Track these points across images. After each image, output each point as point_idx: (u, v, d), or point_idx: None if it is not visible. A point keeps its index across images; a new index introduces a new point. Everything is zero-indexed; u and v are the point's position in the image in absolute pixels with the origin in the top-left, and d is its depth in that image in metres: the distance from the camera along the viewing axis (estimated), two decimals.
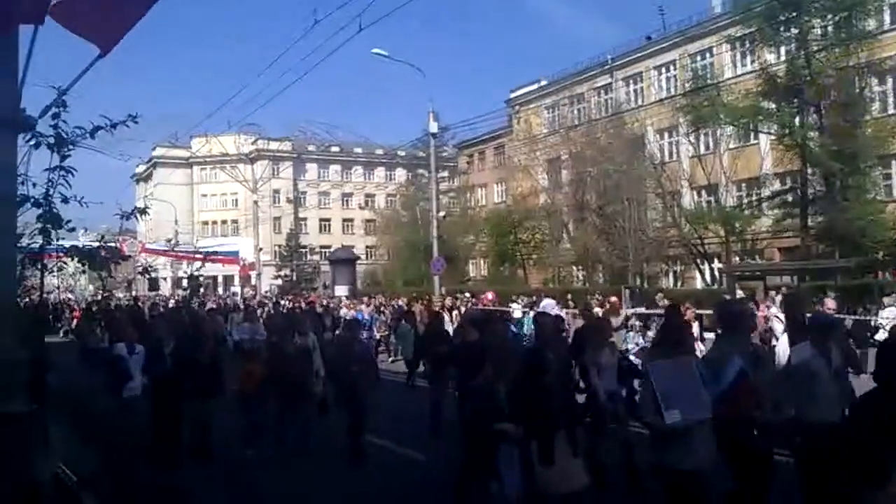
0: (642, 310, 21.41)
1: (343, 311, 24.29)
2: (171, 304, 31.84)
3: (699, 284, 34.96)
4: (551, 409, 5.56)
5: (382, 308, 26.18)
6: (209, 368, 9.83)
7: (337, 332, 17.51)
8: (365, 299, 29.29)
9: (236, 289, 55.35)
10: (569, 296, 26.89)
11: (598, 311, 16.21)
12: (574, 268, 42.84)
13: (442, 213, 36.67)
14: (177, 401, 9.41)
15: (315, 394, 10.26)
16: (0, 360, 3.43)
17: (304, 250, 69.29)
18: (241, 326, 17.02)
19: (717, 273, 34.14)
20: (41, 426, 2.51)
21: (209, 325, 12.57)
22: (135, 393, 9.40)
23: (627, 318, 17.11)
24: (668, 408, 4.91)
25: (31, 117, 4.05)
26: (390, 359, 20.67)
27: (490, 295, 27.34)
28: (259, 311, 23.64)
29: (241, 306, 27.64)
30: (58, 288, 53.28)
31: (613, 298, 18.46)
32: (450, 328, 14.86)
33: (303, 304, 28.53)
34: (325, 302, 30.43)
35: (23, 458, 2.68)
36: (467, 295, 28.77)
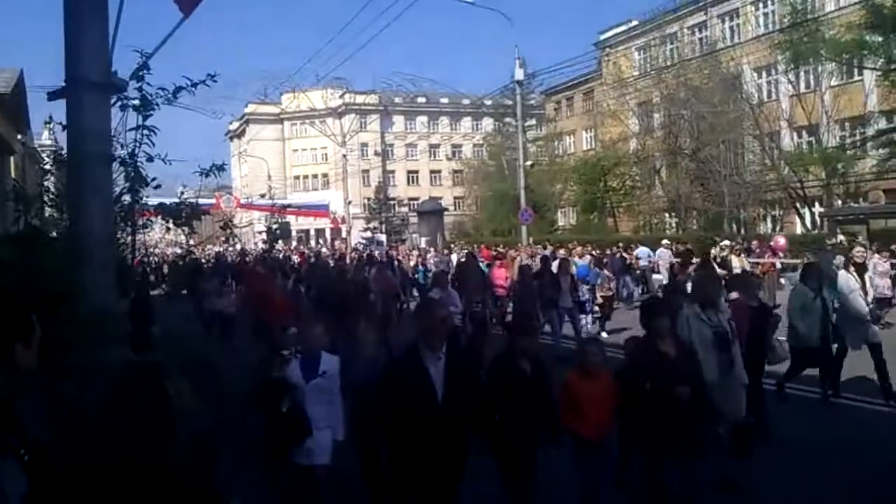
0: None
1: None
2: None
3: (799, 229, 33.67)
4: None
5: (604, 259, 18.77)
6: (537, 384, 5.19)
7: None
8: (579, 249, 20.84)
9: (381, 236, 46.40)
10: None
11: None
12: (666, 214, 41.95)
13: (529, 162, 36.21)
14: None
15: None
16: (102, 313, 3.64)
17: (392, 202, 69.96)
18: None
19: (817, 217, 32.81)
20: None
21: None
22: (322, 461, 5.19)
23: None
24: None
25: (122, 80, 4.20)
26: None
27: (782, 240, 23.64)
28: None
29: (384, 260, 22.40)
30: (152, 245, 54.46)
31: None
32: None
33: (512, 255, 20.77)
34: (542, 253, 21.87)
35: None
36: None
